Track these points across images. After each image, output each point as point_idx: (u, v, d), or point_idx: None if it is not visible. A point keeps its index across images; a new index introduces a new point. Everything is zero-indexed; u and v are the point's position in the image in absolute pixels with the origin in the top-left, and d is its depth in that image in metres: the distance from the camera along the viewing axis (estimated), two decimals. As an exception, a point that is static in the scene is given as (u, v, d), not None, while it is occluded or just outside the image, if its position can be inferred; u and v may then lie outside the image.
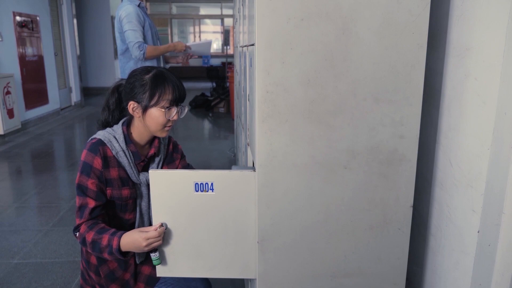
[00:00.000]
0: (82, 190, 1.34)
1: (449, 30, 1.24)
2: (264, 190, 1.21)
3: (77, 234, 1.35)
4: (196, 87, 10.68)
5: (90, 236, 1.31)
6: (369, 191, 1.24)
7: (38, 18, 6.60)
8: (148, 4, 13.51)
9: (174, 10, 14.21)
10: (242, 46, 1.80)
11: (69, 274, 2.27)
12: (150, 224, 1.41)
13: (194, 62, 13.63)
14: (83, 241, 1.33)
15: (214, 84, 9.08)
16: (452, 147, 1.23)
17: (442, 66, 1.27)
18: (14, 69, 5.84)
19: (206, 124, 7.02)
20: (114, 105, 1.49)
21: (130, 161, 1.41)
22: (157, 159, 1.51)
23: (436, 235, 1.33)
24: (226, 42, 11.08)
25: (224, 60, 11.80)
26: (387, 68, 1.16)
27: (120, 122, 1.44)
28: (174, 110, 1.39)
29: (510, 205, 1.05)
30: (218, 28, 14.42)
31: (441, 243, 1.30)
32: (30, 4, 6.40)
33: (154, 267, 1.39)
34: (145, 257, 1.50)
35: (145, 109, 1.37)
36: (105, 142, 1.36)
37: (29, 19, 6.32)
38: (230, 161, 4.26)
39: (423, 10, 1.14)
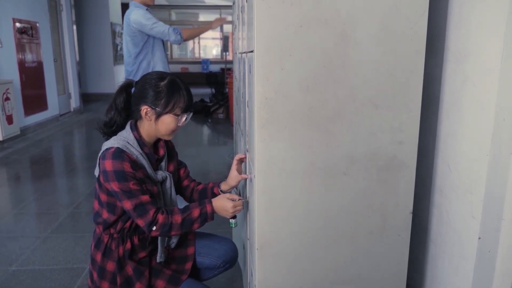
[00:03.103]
0: (130, 193, 1.35)
1: (447, 36, 1.24)
2: (263, 196, 1.20)
3: (155, 227, 1.36)
4: (195, 93, 10.70)
5: (178, 218, 1.39)
6: (368, 197, 1.24)
7: (37, 24, 6.62)
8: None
9: (174, 16, 14.27)
10: (241, 53, 1.81)
11: (67, 281, 2.26)
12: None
13: (193, 69, 13.66)
14: (170, 227, 1.38)
15: (213, 90, 9.09)
16: (451, 152, 1.23)
17: (440, 72, 1.28)
18: (13, 75, 5.85)
19: (205, 130, 7.02)
20: (122, 104, 1.48)
21: (148, 162, 1.45)
22: (164, 159, 1.57)
23: (436, 241, 1.33)
24: (225, 48, 11.10)
25: (223, 66, 11.82)
26: (385, 74, 1.16)
27: (128, 128, 1.45)
28: (184, 117, 1.46)
29: (510, 211, 1.05)
30: (217, 34, 14.47)
31: (441, 249, 1.30)
32: (30, 11, 6.42)
33: (167, 282, 1.50)
34: (164, 259, 1.54)
35: (159, 115, 1.42)
36: (124, 149, 1.38)
37: (29, 26, 6.33)
38: (229, 167, 4.25)
39: (421, 17, 1.15)
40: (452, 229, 1.22)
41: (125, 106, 1.49)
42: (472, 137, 1.12)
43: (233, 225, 1.55)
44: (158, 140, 1.55)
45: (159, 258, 1.51)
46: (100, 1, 9.76)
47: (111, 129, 1.48)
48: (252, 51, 1.20)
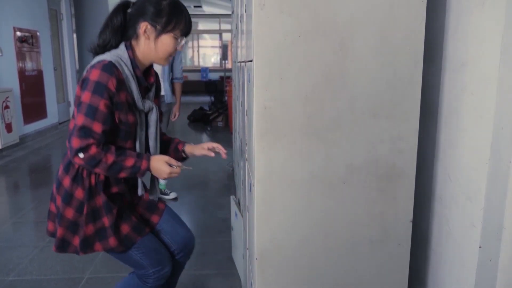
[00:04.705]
0: (92, 111, 1.27)
1: (444, 45, 1.25)
2: (262, 205, 1.20)
3: (84, 155, 1.28)
4: (195, 101, 10.72)
5: (110, 158, 1.31)
6: (368, 206, 1.23)
7: (38, 33, 6.65)
8: (147, 19, 13.63)
9: (173, 25, 14.39)
10: (241, 62, 1.81)
11: (65, 291, 2.24)
12: (148, 151, 1.49)
13: (192, 77, 13.70)
14: (97, 163, 1.30)
15: (213, 98, 9.11)
16: (451, 161, 1.23)
17: (438, 81, 1.28)
18: (13, 83, 5.86)
19: (205, 138, 7.02)
20: (119, 23, 1.39)
21: (137, 86, 1.39)
22: (153, 89, 1.50)
23: (437, 250, 1.32)
24: (224, 57, 11.15)
25: (222, 74, 11.87)
26: (384, 83, 1.17)
27: (123, 46, 1.38)
28: (182, 41, 1.41)
29: (511, 220, 1.04)
30: (217, 42, 14.54)
31: (442, 258, 1.29)
32: (31, 20, 6.45)
33: (132, 228, 1.45)
34: (145, 191, 1.50)
35: (159, 34, 1.36)
36: (116, 65, 1.31)
37: (29, 34, 6.36)
38: (228, 176, 4.24)
39: (418, 27, 1.16)
40: (453, 238, 1.22)
41: (121, 26, 1.40)
42: (471, 146, 1.12)
43: (163, 187, 1.52)
44: (149, 68, 1.48)
45: (140, 191, 1.47)
46: (100, 10, 9.81)
47: (105, 51, 1.39)
48: (251, 61, 1.20)
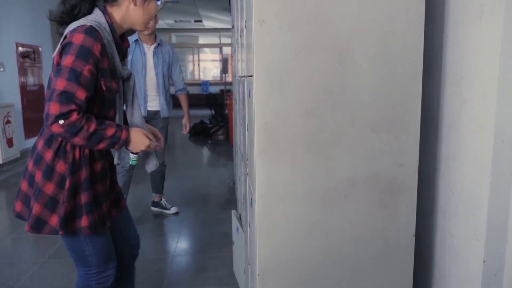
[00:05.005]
0: (75, 75, 1.19)
1: (443, 58, 1.26)
2: (264, 220, 1.19)
3: (64, 121, 1.18)
4: (195, 114, 10.76)
5: (92, 127, 1.23)
6: (370, 220, 1.23)
7: (40, 48, 6.71)
8: (148, 34, 13.80)
9: (174, 39, 14.49)
10: (241, 76, 1.82)
11: (65, 308, 2.21)
12: (125, 119, 1.49)
13: (193, 90, 13.77)
14: (78, 131, 1.21)
15: (213, 112, 9.14)
16: (452, 174, 1.22)
17: (438, 94, 1.29)
18: (15, 98, 5.89)
19: (205, 152, 7.02)
20: None
21: (117, 52, 1.35)
22: (127, 55, 1.51)
23: (440, 265, 1.31)
24: (224, 70, 11.25)
25: (222, 87, 11.93)
26: (384, 97, 1.17)
27: (99, 12, 1.32)
28: (160, 3, 1.45)
29: (514, 234, 1.04)
30: (217, 56, 14.66)
31: (446, 273, 1.27)
32: (33, 35, 6.52)
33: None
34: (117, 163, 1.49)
35: None
36: (97, 29, 1.25)
37: (31, 50, 6.42)
38: (229, 189, 4.23)
39: (417, 40, 1.17)
40: (456, 252, 1.20)
41: None
42: (473, 159, 1.11)
43: (133, 162, 1.44)
44: (124, 33, 1.44)
45: (116, 160, 1.48)
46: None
47: (73, 19, 1.30)
48: (251, 76, 1.21)
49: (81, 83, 1.20)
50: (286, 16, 1.11)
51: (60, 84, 1.18)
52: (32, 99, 6.51)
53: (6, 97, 5.73)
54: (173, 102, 3.44)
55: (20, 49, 6.14)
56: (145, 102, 3.18)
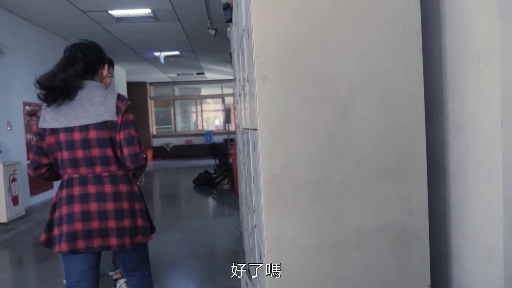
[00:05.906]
0: (135, 127, 1.69)
1: (445, 105, 1.27)
2: (274, 275, 1.16)
3: (145, 155, 1.68)
4: (199, 164, 10.79)
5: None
6: (382, 271, 1.19)
7: (47, 106, 6.90)
8: (151, 87, 14.18)
9: (177, 92, 14.85)
10: (245, 129, 1.85)
11: None
12: None
13: (197, 140, 13.91)
14: (146, 163, 1.69)
15: (217, 161, 9.16)
16: (464, 220, 1.20)
17: (442, 140, 1.29)
18: (21, 156, 5.96)
19: (211, 202, 6.96)
20: (82, 68, 1.63)
21: None
22: None
23: (460, 317, 1.25)
24: (227, 120, 11.45)
25: (226, 136, 12.07)
26: (388, 145, 1.18)
27: (98, 84, 1.69)
28: None
29: (534, 282, 1.00)
30: (219, 106, 14.95)
31: (466, 326, 1.21)
32: (40, 94, 6.73)
33: None
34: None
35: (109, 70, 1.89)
36: None
37: (38, 108, 6.59)
38: (236, 240, 4.15)
39: (417, 89, 1.19)
40: (475, 303, 1.15)
41: (83, 69, 1.66)
42: (483, 204, 1.10)
43: None
44: None
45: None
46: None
47: (68, 90, 1.62)
48: (255, 129, 1.23)
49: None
50: (287, 71, 1.15)
51: (135, 132, 1.67)
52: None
53: (12, 155, 5.80)
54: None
55: (27, 108, 6.30)
56: None
